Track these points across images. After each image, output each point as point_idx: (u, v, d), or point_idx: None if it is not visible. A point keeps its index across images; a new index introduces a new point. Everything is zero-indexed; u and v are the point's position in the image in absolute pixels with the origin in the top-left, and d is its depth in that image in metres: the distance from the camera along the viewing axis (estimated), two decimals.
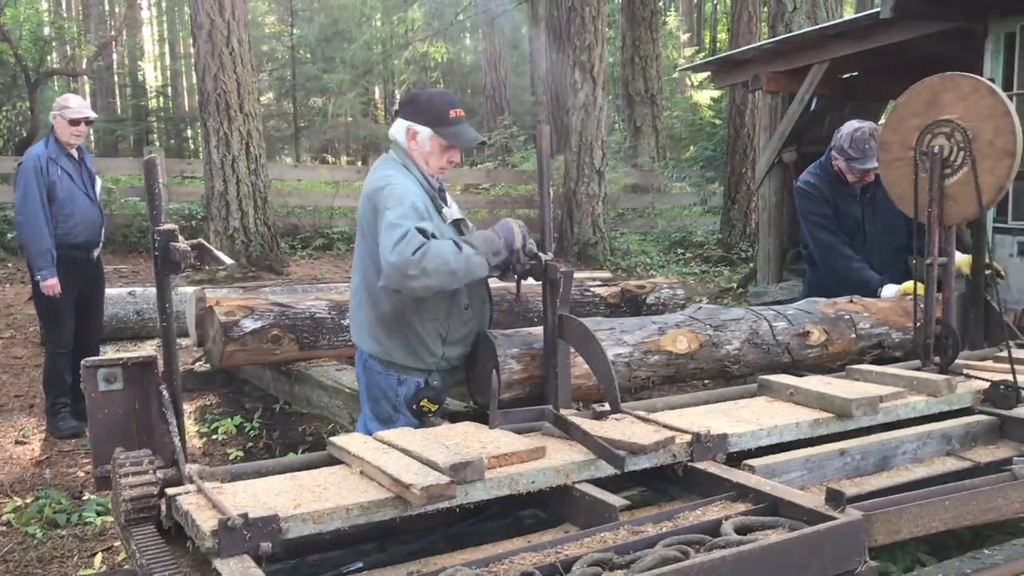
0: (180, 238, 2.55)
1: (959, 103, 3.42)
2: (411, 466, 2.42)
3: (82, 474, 4.97)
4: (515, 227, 3.23)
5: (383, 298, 3.26)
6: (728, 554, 2.09)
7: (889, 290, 4.57)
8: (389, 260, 3.01)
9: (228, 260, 2.54)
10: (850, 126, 4.66)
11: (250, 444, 5.35)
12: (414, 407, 3.33)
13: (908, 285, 4.35)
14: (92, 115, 5.70)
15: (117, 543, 4.12)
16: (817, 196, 4.81)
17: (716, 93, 21.60)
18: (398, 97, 26.41)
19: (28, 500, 4.58)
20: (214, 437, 5.43)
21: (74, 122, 5.56)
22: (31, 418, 5.88)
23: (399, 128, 3.36)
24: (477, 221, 14.07)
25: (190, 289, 6.06)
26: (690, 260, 12.93)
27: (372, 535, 2.80)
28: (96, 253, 5.79)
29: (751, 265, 11.10)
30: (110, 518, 4.34)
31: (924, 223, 3.59)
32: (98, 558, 3.97)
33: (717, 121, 16.47)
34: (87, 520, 4.32)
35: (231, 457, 5.13)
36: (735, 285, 10.51)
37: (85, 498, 4.61)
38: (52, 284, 5.41)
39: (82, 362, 2.63)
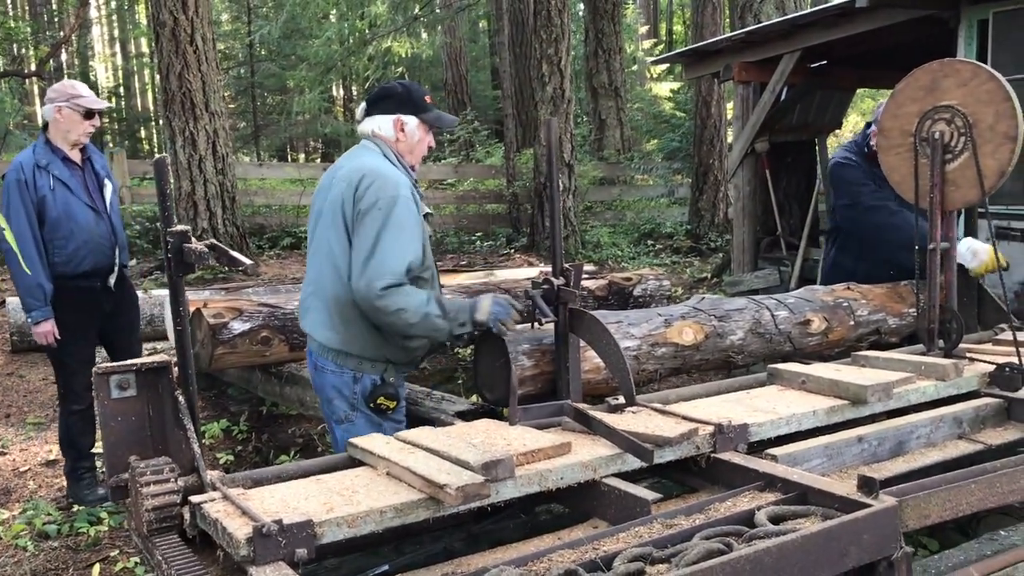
0: (194, 239, 2.48)
1: (959, 89, 3.44)
2: (442, 466, 2.38)
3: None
4: (484, 303, 3.27)
5: (348, 288, 3.19)
6: (771, 545, 2.08)
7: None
8: (361, 283, 3.09)
9: (247, 260, 2.47)
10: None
11: (239, 447, 5.27)
12: (371, 405, 3.30)
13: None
14: (106, 105, 4.77)
15: (114, 553, 4.04)
16: (854, 166, 4.75)
17: (676, 85, 21.78)
18: (356, 94, 26.24)
19: (15, 512, 4.46)
20: (201, 442, 5.32)
21: (90, 114, 4.53)
22: (8, 428, 5.74)
23: (384, 123, 3.36)
24: (445, 216, 14.02)
25: (165, 291, 5.82)
26: (660, 251, 12.98)
27: (389, 536, 2.76)
28: (113, 280, 4.67)
29: (721, 255, 11.18)
30: (104, 528, 4.25)
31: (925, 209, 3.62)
32: (96, 569, 3.88)
33: (679, 113, 16.57)
34: (80, 531, 4.21)
35: (221, 461, 5.05)
36: (709, 275, 10.57)
37: (75, 509, 4.50)
38: (46, 330, 4.42)
39: (93, 369, 2.55)
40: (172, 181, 10.28)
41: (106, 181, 4.73)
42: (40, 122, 4.65)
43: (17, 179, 4.39)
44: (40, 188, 4.41)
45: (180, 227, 2.48)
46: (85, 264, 4.52)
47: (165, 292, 5.64)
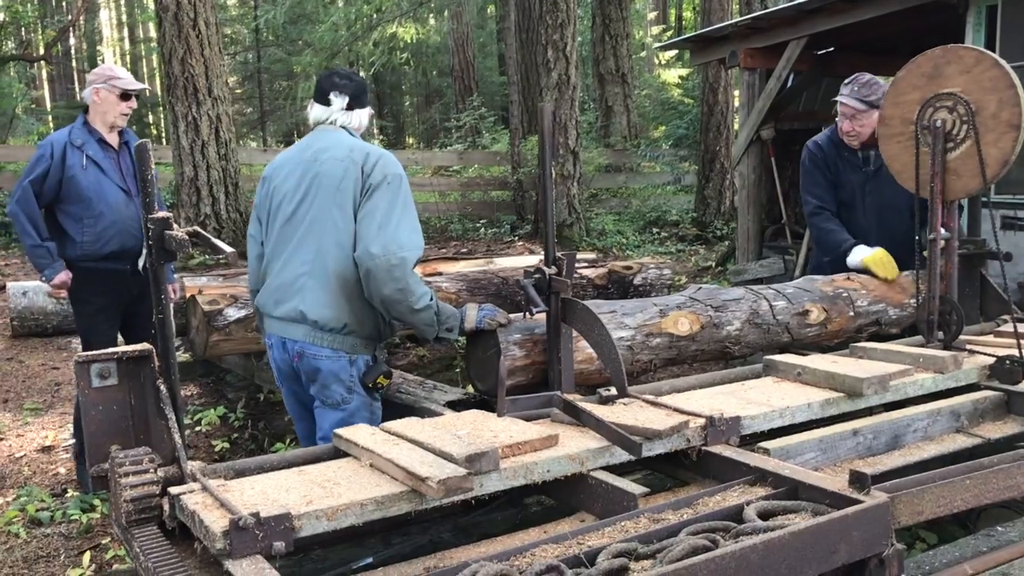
0: (175, 226, 2.44)
1: (962, 76, 3.37)
2: (425, 458, 2.34)
3: (63, 471, 4.84)
4: (471, 313, 3.41)
5: (353, 265, 3.22)
6: (758, 542, 2.03)
7: (856, 255, 4.48)
8: (375, 248, 3.13)
9: (228, 248, 2.43)
10: None
11: (235, 435, 5.24)
12: (370, 385, 3.33)
13: (875, 255, 4.37)
14: (143, 87, 4.74)
15: (105, 541, 4.02)
16: (818, 156, 4.81)
17: (684, 71, 21.62)
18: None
19: (9, 498, 4.44)
20: (198, 429, 5.31)
21: (126, 95, 4.58)
22: (5, 413, 5.73)
23: (365, 117, 3.52)
24: (449, 203, 13.96)
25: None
26: (665, 239, 12.91)
27: (376, 527, 2.73)
28: (142, 263, 4.61)
29: (727, 243, 11.10)
30: (96, 515, 4.23)
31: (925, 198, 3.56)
32: (86, 556, 3.85)
33: (687, 100, 16.44)
34: (72, 518, 4.19)
35: (217, 449, 5.03)
36: (713, 263, 10.50)
37: (68, 495, 4.48)
38: (61, 280, 4.48)
39: (75, 357, 2.51)
40: (175, 167, 10.30)
41: None
42: (48, 106, 4.80)
43: (42, 153, 4.46)
44: (71, 167, 4.46)
45: (162, 214, 2.45)
46: (112, 244, 4.55)
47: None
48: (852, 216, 4.74)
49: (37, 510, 4.26)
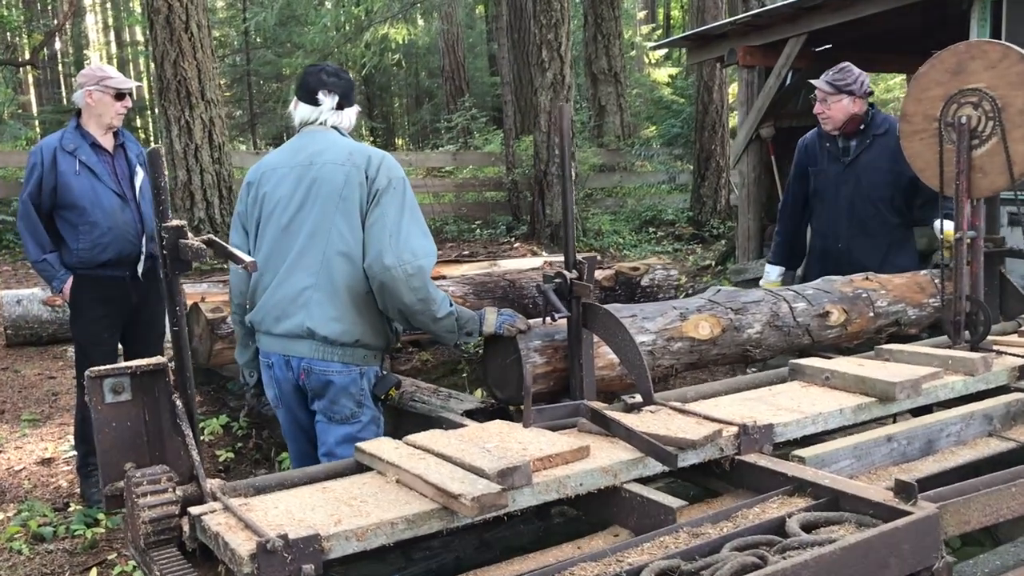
0: (190, 234, 2.34)
1: (987, 71, 3.30)
2: (455, 473, 2.25)
3: (64, 483, 4.73)
4: (490, 316, 3.30)
5: (361, 276, 3.08)
6: (808, 558, 1.95)
7: (765, 275, 4.99)
8: (388, 259, 3.00)
9: (247, 257, 2.33)
10: None
11: (239, 444, 5.14)
12: (382, 397, 3.22)
13: (769, 285, 4.75)
14: (136, 85, 4.64)
15: (111, 556, 3.92)
16: (802, 150, 4.95)
17: (674, 70, 21.58)
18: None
19: (10, 514, 4.33)
20: (200, 438, 5.19)
21: (120, 95, 4.44)
22: (3, 425, 5.61)
23: (354, 115, 3.38)
24: (444, 204, 13.87)
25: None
26: (662, 239, 12.85)
27: (397, 543, 2.63)
28: (140, 269, 4.54)
29: (724, 242, 11.04)
30: (101, 530, 4.13)
31: (945, 196, 3.50)
32: (93, 573, 3.75)
33: (679, 99, 16.40)
34: (76, 533, 4.09)
35: (221, 459, 4.92)
36: (712, 262, 10.42)
37: (71, 509, 4.37)
38: (69, 287, 4.43)
39: (86, 372, 2.42)
40: (168, 172, 10.17)
41: (138, 169, 4.59)
42: (35, 111, 4.75)
43: (34, 162, 4.36)
44: (63, 172, 4.34)
45: (176, 222, 2.34)
46: (108, 252, 4.41)
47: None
48: (825, 206, 4.82)
49: (39, 525, 4.15)
